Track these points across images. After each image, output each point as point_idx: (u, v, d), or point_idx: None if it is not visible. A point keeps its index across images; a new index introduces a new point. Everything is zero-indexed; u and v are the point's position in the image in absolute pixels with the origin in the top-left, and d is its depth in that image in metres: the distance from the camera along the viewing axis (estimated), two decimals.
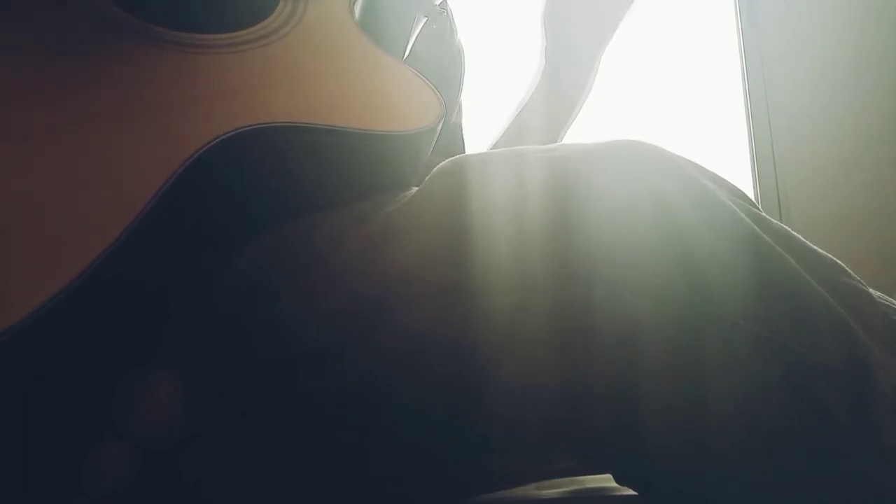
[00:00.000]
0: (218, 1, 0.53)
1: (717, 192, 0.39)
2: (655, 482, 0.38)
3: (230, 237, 0.45)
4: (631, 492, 0.43)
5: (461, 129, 0.82)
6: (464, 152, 0.81)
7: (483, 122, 0.85)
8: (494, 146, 0.78)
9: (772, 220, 0.40)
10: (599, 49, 0.74)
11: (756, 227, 0.38)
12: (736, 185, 0.42)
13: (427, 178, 0.45)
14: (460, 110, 0.81)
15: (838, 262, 0.40)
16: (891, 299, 0.41)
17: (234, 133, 0.42)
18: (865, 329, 0.37)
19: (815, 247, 0.40)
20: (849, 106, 1.58)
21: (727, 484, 0.36)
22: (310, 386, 0.40)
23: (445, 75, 0.76)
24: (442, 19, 0.74)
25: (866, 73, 1.58)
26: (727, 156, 1.67)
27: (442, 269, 0.39)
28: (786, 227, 0.40)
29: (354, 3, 0.55)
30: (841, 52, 1.60)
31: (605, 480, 0.52)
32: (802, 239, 0.40)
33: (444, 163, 0.45)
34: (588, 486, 0.52)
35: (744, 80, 1.65)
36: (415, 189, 0.45)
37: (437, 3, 0.70)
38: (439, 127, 0.48)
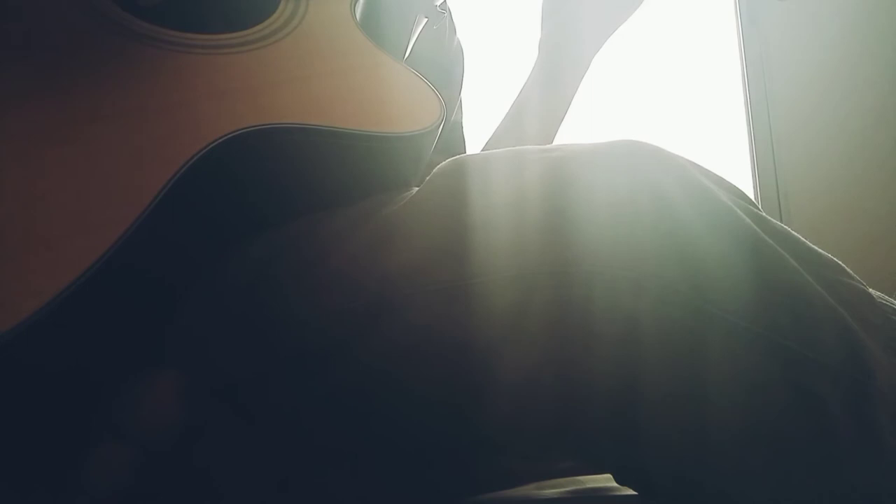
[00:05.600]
0: (219, 2, 0.53)
1: (718, 192, 0.39)
2: (655, 478, 0.38)
3: (233, 236, 0.45)
4: (631, 492, 0.43)
5: (461, 128, 0.82)
6: (464, 150, 0.81)
7: (483, 121, 0.85)
8: (491, 138, 0.79)
9: (772, 220, 0.40)
10: (595, 47, 0.74)
11: (756, 227, 0.38)
12: (736, 185, 0.42)
13: (427, 177, 0.45)
14: (460, 108, 0.82)
15: (838, 262, 0.40)
16: (891, 299, 0.41)
17: (235, 134, 0.42)
18: (865, 329, 0.37)
19: (815, 247, 0.40)
20: (849, 106, 1.58)
21: (726, 482, 0.36)
22: (313, 382, 0.40)
23: (446, 76, 0.76)
24: (442, 20, 0.74)
25: (866, 72, 1.59)
26: (727, 156, 1.67)
27: (443, 267, 0.39)
28: (786, 227, 0.40)
29: (355, 4, 0.55)
30: (841, 52, 1.60)
31: (605, 480, 0.52)
32: (802, 239, 0.40)
33: (444, 163, 0.45)
34: (588, 486, 0.52)
35: (744, 80, 1.65)
36: (415, 189, 0.46)
37: (438, 3, 0.71)
38: (440, 128, 0.48)
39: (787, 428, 0.35)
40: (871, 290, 0.40)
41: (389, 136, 0.46)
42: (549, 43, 0.74)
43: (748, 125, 1.63)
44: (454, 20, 0.79)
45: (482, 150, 0.79)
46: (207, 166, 0.41)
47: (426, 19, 0.67)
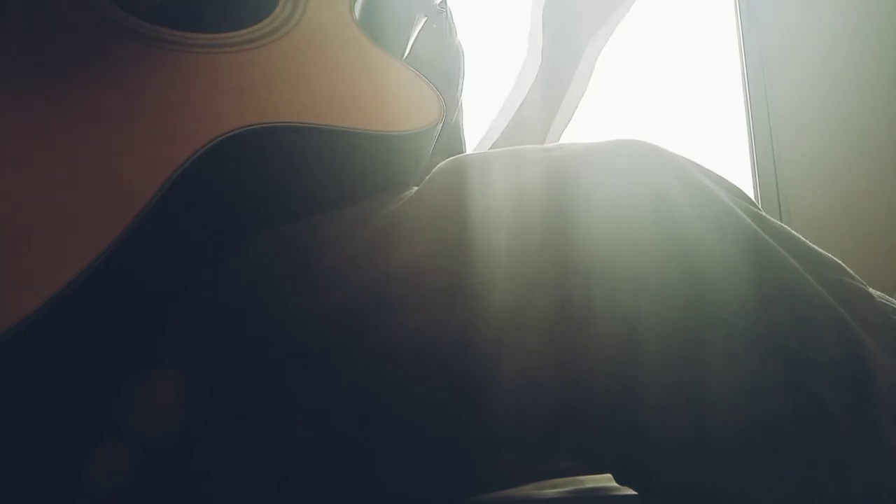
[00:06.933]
0: (219, 1, 0.53)
1: (718, 191, 0.39)
2: (655, 478, 0.38)
3: (232, 236, 0.45)
4: (631, 492, 0.43)
5: (461, 129, 0.82)
6: (463, 152, 0.81)
7: (483, 122, 0.85)
8: (493, 146, 0.78)
9: (772, 219, 0.40)
10: (598, 47, 0.74)
11: (756, 227, 0.38)
12: (736, 184, 0.42)
13: (427, 177, 0.45)
14: (460, 110, 0.82)
15: (838, 261, 0.40)
16: (891, 299, 0.41)
17: (234, 133, 0.42)
18: (865, 328, 0.37)
19: (815, 247, 0.40)
20: (849, 106, 1.58)
21: (726, 482, 0.36)
22: (312, 383, 0.40)
23: (445, 75, 0.76)
24: (442, 19, 0.74)
25: (866, 73, 1.58)
26: (727, 156, 1.67)
27: (442, 267, 0.39)
28: (786, 226, 0.40)
29: (355, 2, 0.55)
30: (841, 52, 1.60)
31: (605, 480, 0.52)
32: (802, 239, 0.40)
33: (444, 162, 0.45)
34: (588, 486, 0.52)
35: (744, 80, 1.64)
36: (415, 189, 0.46)
37: (437, 2, 0.71)
38: (439, 127, 0.48)
39: (787, 428, 0.35)
40: (871, 289, 0.40)
41: (389, 135, 0.46)
42: (554, 48, 0.74)
43: (748, 125, 1.63)
44: (454, 21, 0.79)
45: (477, 147, 0.80)
46: (207, 165, 0.41)
47: (426, 18, 0.67)
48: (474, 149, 0.81)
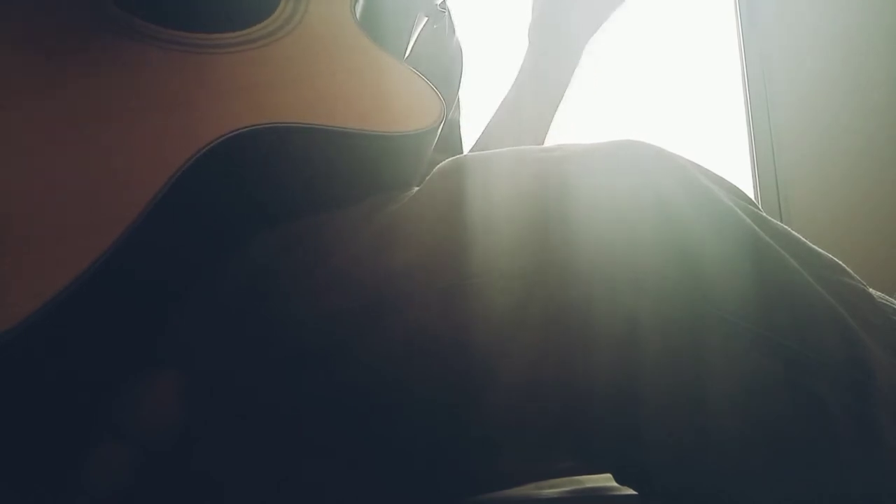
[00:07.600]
0: (219, 1, 0.53)
1: (718, 192, 0.39)
2: (655, 478, 0.38)
3: (232, 236, 0.45)
4: (631, 492, 0.43)
5: (458, 126, 0.82)
6: (461, 149, 0.81)
7: (481, 120, 0.86)
8: (486, 129, 0.79)
9: (772, 220, 0.40)
10: (588, 31, 0.75)
11: (756, 227, 0.38)
12: (736, 185, 0.42)
13: (427, 177, 0.45)
14: (458, 107, 0.82)
15: (838, 262, 0.40)
16: (891, 299, 0.41)
17: (235, 133, 0.42)
18: (865, 329, 0.37)
19: (815, 247, 0.40)
20: (849, 106, 1.58)
21: (726, 482, 0.36)
22: (313, 383, 0.40)
23: (445, 75, 0.76)
24: (442, 19, 0.74)
25: (866, 72, 1.58)
26: (727, 156, 1.67)
27: (443, 267, 0.39)
28: (786, 227, 0.40)
29: (355, 3, 0.55)
30: (841, 52, 1.60)
31: (605, 480, 0.52)
32: (803, 239, 0.40)
33: (444, 162, 0.45)
34: (588, 486, 0.52)
35: (744, 80, 1.64)
36: (416, 189, 0.46)
37: (438, 2, 0.71)
38: (440, 127, 0.48)
39: (787, 428, 0.35)
40: (871, 289, 0.40)
41: (389, 136, 0.46)
42: (540, 26, 0.75)
43: (748, 125, 1.63)
44: (453, 20, 0.79)
45: (477, 142, 0.80)
46: (207, 166, 0.41)
47: (426, 18, 0.67)
48: (471, 147, 0.81)
